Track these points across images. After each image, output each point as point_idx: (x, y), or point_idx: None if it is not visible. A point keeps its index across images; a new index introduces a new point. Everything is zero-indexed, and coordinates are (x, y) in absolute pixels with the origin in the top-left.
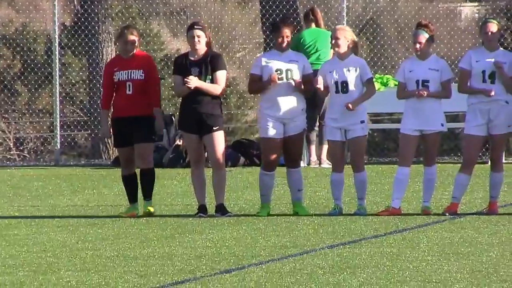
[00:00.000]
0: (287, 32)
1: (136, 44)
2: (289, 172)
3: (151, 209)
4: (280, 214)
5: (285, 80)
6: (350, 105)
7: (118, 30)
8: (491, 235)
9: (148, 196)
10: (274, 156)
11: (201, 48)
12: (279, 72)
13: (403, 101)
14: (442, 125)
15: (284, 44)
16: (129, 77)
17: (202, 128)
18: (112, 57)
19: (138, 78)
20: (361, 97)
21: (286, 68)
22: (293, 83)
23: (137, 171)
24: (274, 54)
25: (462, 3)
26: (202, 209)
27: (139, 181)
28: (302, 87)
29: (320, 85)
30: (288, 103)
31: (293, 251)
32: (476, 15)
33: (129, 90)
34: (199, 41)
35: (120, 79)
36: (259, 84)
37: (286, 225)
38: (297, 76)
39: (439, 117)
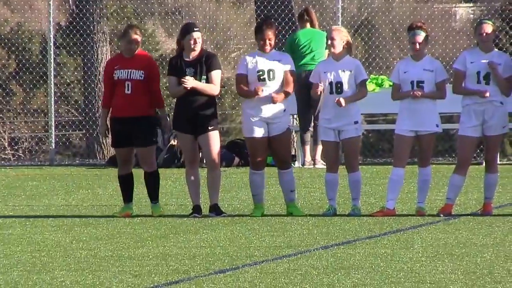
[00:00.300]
0: (270, 35)
1: (139, 43)
2: (280, 174)
3: (162, 211)
4: (275, 214)
5: (267, 80)
6: (341, 100)
7: (122, 29)
8: (485, 236)
9: (155, 198)
10: (260, 155)
11: (198, 50)
12: (261, 73)
13: (398, 102)
14: (437, 126)
15: (267, 47)
16: (129, 76)
17: (197, 128)
18: (108, 56)
19: (138, 78)
20: (353, 95)
21: (268, 68)
22: (272, 97)
23: (135, 171)
24: (258, 54)
25: (457, 3)
26: (197, 209)
27: (135, 182)
28: (282, 98)
29: (319, 89)
30: (271, 105)
31: (288, 252)
32: (471, 16)
33: (128, 90)
34: (198, 43)
35: (120, 77)
36: (246, 92)
37: (280, 226)
38: (280, 74)
39: (434, 118)
